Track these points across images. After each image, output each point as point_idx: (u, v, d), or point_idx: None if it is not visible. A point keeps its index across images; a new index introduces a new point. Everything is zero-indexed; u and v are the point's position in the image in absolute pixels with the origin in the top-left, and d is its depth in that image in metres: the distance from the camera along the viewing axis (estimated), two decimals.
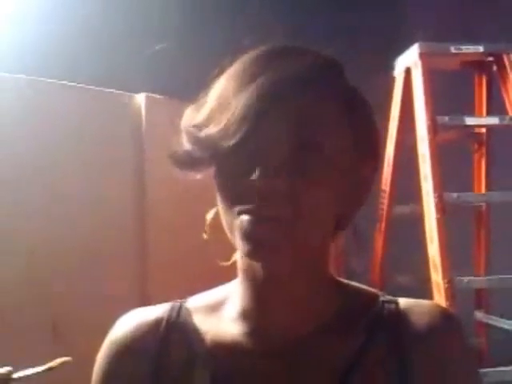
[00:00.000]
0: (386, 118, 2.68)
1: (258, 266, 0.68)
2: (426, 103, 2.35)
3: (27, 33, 2.64)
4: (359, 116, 0.70)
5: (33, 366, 1.13)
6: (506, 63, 2.44)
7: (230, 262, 0.76)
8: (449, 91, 2.58)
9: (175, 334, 0.74)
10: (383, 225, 2.67)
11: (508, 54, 2.45)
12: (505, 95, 2.47)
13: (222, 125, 0.64)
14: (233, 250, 0.73)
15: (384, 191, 2.67)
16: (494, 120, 2.44)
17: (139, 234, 1.89)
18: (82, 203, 1.76)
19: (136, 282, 1.85)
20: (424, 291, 2.31)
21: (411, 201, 2.55)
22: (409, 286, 2.59)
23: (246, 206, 0.64)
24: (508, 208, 2.51)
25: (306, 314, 0.71)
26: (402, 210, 2.65)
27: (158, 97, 1.93)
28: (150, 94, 1.93)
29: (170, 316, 0.75)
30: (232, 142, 0.63)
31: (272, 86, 0.63)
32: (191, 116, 0.69)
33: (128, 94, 1.94)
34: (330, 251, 0.74)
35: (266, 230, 0.63)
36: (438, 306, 0.75)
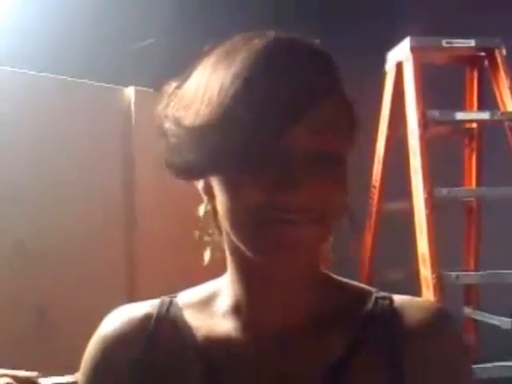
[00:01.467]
0: (377, 114, 2.66)
1: (267, 266, 0.66)
2: (417, 97, 2.34)
3: (16, 27, 2.61)
4: (352, 112, 0.68)
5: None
6: (498, 58, 2.44)
7: (205, 263, 0.74)
8: (440, 86, 2.57)
9: (165, 329, 0.73)
10: (373, 221, 2.66)
11: (500, 49, 2.45)
12: (496, 90, 2.46)
13: (233, 134, 0.60)
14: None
15: (374, 187, 2.66)
16: (484, 115, 2.44)
17: (128, 224, 1.88)
18: (71, 195, 1.75)
19: (124, 271, 1.85)
20: (413, 286, 2.31)
21: (401, 197, 2.54)
22: (398, 280, 2.59)
23: (274, 216, 0.62)
24: (498, 203, 2.51)
25: (299, 309, 0.70)
26: (392, 206, 2.64)
27: (148, 90, 1.92)
28: (140, 88, 1.92)
29: (159, 311, 0.74)
30: (247, 153, 0.60)
31: (280, 87, 0.60)
32: (184, 114, 0.64)
33: (117, 87, 1.93)
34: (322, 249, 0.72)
35: (287, 239, 0.62)
36: (433, 304, 0.75)
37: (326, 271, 0.75)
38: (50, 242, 1.67)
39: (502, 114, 2.40)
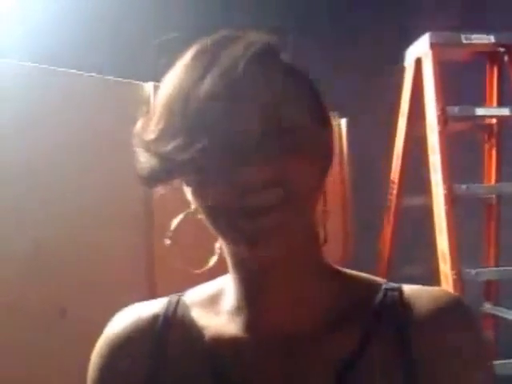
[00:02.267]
0: (396, 109, 2.66)
1: (250, 259, 0.66)
2: (437, 94, 2.34)
3: (39, 22, 2.64)
4: (306, 87, 0.69)
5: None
6: None
7: (208, 267, 0.74)
8: (460, 82, 2.57)
9: (173, 329, 0.73)
10: (392, 216, 2.66)
11: None
12: None
13: (184, 133, 0.61)
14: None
15: (393, 182, 2.66)
16: (504, 111, 2.43)
17: (147, 221, 1.89)
18: (90, 194, 1.75)
19: (143, 270, 1.85)
20: (432, 282, 2.31)
21: (420, 192, 2.54)
22: (417, 276, 2.57)
23: (233, 205, 0.62)
24: None
25: (305, 305, 0.70)
26: (412, 201, 2.64)
27: None
28: (159, 83, 1.93)
29: (167, 311, 0.75)
30: (201, 147, 0.60)
31: (225, 77, 0.61)
32: (145, 127, 0.65)
33: (136, 82, 1.94)
34: (320, 235, 0.72)
35: (259, 224, 0.61)
36: (444, 291, 0.72)
37: (333, 264, 0.74)
38: (69, 244, 1.67)
39: None
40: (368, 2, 3.04)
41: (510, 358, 2.30)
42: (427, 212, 2.40)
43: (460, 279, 2.22)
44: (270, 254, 0.63)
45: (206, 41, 0.66)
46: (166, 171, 0.63)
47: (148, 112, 0.66)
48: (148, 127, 0.64)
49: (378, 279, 0.75)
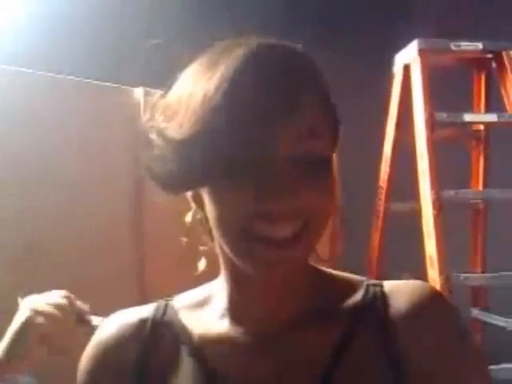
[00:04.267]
0: (384, 115, 2.67)
1: (262, 276, 0.66)
2: (425, 100, 2.35)
3: (26, 27, 2.64)
4: (334, 114, 0.68)
5: None
6: (506, 61, 2.44)
7: (200, 271, 0.75)
8: (448, 88, 2.58)
9: (161, 333, 0.74)
10: (380, 222, 2.67)
11: (507, 51, 2.45)
12: (503, 93, 2.47)
13: (215, 146, 0.60)
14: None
15: (381, 188, 2.67)
16: (492, 117, 2.44)
17: (137, 221, 1.88)
18: (81, 196, 1.75)
19: (135, 274, 1.85)
20: None
21: (408, 198, 2.55)
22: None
23: (260, 229, 0.62)
24: (506, 205, 2.51)
25: (291, 305, 0.71)
26: (399, 206, 2.65)
27: (157, 91, 1.91)
28: (148, 89, 1.92)
29: (155, 315, 0.75)
30: (229, 163, 0.60)
31: (264, 96, 0.60)
32: (168, 125, 0.64)
33: (126, 87, 1.94)
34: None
35: (280, 253, 0.62)
36: (423, 284, 0.72)
37: (313, 265, 0.75)
38: (62, 243, 1.67)
39: (510, 116, 2.40)
40: (356, 8, 3.05)
41: (497, 363, 2.31)
42: (416, 217, 2.41)
43: (448, 284, 2.22)
44: (275, 279, 0.66)
45: (224, 43, 0.66)
46: (185, 178, 0.63)
47: (164, 111, 0.65)
48: (171, 126, 0.63)
49: (360, 277, 0.76)
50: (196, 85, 0.63)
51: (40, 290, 1.59)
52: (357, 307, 0.71)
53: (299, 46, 0.68)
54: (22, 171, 1.65)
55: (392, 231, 2.70)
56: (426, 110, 2.34)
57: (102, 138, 1.83)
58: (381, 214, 2.67)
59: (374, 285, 0.73)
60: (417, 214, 2.39)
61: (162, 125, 0.64)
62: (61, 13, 2.69)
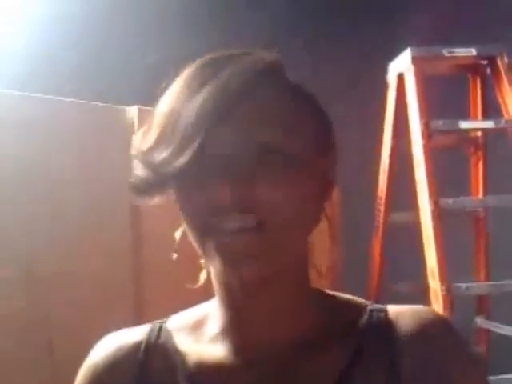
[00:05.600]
0: (381, 124, 2.65)
1: (235, 280, 0.65)
2: (420, 108, 2.33)
3: (19, 48, 2.64)
4: (310, 111, 0.69)
5: None
6: (500, 66, 2.42)
7: (198, 285, 0.74)
8: (444, 95, 2.56)
9: (155, 357, 0.72)
10: (380, 232, 2.64)
11: (501, 56, 2.43)
12: (499, 98, 2.44)
13: (173, 145, 0.62)
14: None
15: (380, 198, 2.65)
16: (489, 123, 2.42)
17: (134, 244, 1.87)
18: (77, 213, 1.74)
19: (131, 291, 1.84)
20: (424, 298, 2.29)
21: (408, 207, 2.52)
22: (408, 293, 2.56)
23: (220, 222, 0.62)
24: (505, 212, 2.48)
25: (290, 329, 0.69)
26: (399, 216, 2.62)
27: (151, 109, 1.90)
28: (143, 107, 1.92)
29: (149, 338, 0.74)
30: (186, 160, 0.61)
31: (219, 95, 0.62)
32: (142, 139, 0.67)
33: (120, 107, 1.93)
34: (308, 256, 0.72)
35: (243, 241, 0.62)
36: (428, 310, 0.72)
37: (316, 287, 0.74)
38: (58, 265, 1.66)
39: (507, 121, 2.38)
40: (350, 17, 3.05)
41: (502, 372, 2.27)
42: (416, 227, 2.38)
43: (449, 294, 2.19)
44: (250, 275, 0.63)
45: (208, 57, 0.67)
46: (152, 182, 0.65)
47: (148, 126, 0.68)
48: (144, 139, 0.67)
49: (363, 301, 0.74)
50: (168, 101, 0.66)
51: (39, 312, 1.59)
52: (361, 332, 0.69)
53: (272, 55, 0.68)
54: (17, 193, 1.64)
55: (393, 241, 2.67)
56: (421, 118, 2.32)
57: (98, 162, 1.82)
58: (381, 225, 2.64)
59: (379, 310, 0.71)
60: (417, 224, 2.36)
61: (138, 141, 0.67)
62: (55, 33, 2.69)
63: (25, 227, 1.63)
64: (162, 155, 0.63)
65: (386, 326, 0.69)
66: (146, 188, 0.67)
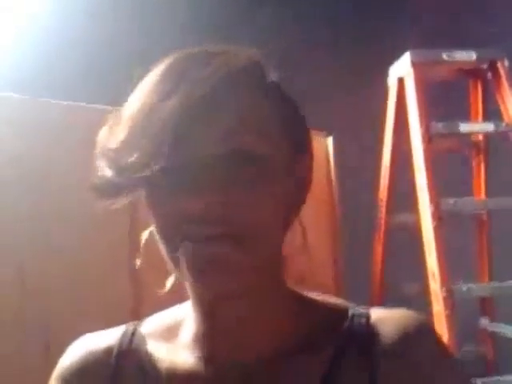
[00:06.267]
0: (382, 127, 2.66)
1: (205, 292, 0.64)
2: (420, 112, 2.33)
3: (24, 53, 2.67)
4: (287, 114, 0.67)
5: None
6: (500, 70, 2.42)
7: (165, 290, 0.72)
8: (444, 98, 2.57)
9: (127, 362, 0.71)
10: (381, 234, 2.65)
11: (502, 60, 2.42)
12: (500, 102, 2.44)
13: (143, 149, 0.60)
14: None
15: (381, 200, 2.65)
16: (489, 126, 2.41)
17: (131, 248, 1.88)
18: (73, 217, 1.74)
19: (130, 299, 1.84)
20: (427, 300, 2.29)
21: (410, 209, 2.53)
22: (411, 294, 2.57)
23: (190, 232, 0.60)
24: (507, 214, 2.48)
25: (264, 338, 0.68)
26: (400, 218, 2.63)
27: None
28: None
29: (121, 343, 0.73)
30: (156, 167, 0.59)
31: (191, 99, 0.60)
32: (108, 136, 0.64)
33: (111, 107, 1.94)
34: (283, 262, 0.70)
35: (212, 250, 0.60)
36: (409, 314, 0.70)
37: (294, 290, 0.72)
38: (52, 271, 1.67)
39: (507, 125, 2.38)
40: (351, 20, 3.05)
41: (507, 373, 2.28)
42: (418, 228, 2.39)
43: (450, 296, 2.19)
44: (221, 287, 0.61)
45: (182, 54, 0.65)
46: (118, 184, 0.62)
47: (113, 122, 0.65)
48: (111, 137, 0.63)
49: (345, 303, 0.73)
50: (138, 99, 0.63)
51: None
52: (341, 339, 0.68)
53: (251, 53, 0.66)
54: (17, 199, 1.65)
55: (394, 243, 2.67)
56: (421, 123, 2.31)
57: (89, 160, 1.82)
58: (382, 227, 2.65)
59: (360, 315, 0.70)
60: (418, 226, 2.37)
61: (104, 138, 0.65)
62: (53, 35, 2.71)
63: (25, 229, 1.64)
64: (131, 158, 0.60)
65: (366, 332, 0.68)
66: (110, 190, 0.63)
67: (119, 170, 0.61)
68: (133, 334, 0.74)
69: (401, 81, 2.49)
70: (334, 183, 2.44)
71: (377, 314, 0.70)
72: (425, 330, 0.69)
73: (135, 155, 0.60)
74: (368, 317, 0.70)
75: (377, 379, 0.65)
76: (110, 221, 1.82)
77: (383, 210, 2.64)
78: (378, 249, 2.67)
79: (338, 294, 1.77)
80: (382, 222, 2.65)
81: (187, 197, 0.60)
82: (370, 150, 2.71)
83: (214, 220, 0.60)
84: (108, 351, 0.72)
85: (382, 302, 2.54)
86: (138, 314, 1.82)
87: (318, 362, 0.67)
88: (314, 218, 1.97)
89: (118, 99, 0.69)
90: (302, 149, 0.69)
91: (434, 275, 2.25)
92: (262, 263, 0.64)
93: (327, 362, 0.66)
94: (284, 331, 0.69)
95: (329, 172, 2.45)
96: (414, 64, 2.36)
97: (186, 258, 0.61)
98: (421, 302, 2.22)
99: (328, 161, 2.45)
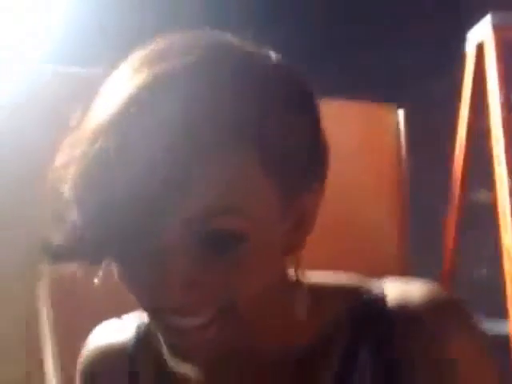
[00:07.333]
0: (458, 98, 2.51)
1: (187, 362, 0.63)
2: (500, 81, 2.19)
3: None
4: (288, 129, 0.58)
5: None
6: None
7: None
8: None
9: (146, 351, 0.71)
10: (455, 214, 2.52)
11: None
12: None
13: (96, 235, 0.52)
14: None
15: (456, 177, 2.53)
16: None
17: None
18: None
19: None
20: (501, 283, 2.17)
21: (486, 186, 2.41)
22: (485, 277, 2.46)
23: (164, 320, 0.55)
24: None
25: (277, 340, 0.64)
26: (476, 195, 2.51)
27: None
28: None
29: (138, 333, 0.73)
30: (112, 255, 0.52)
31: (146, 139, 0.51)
32: (61, 155, 0.56)
33: None
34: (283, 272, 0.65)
35: (192, 339, 0.54)
36: (434, 294, 0.62)
37: (300, 279, 0.63)
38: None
39: None
40: None
41: None
42: (493, 206, 2.26)
43: None
44: (207, 359, 0.58)
45: (141, 57, 0.58)
46: (71, 250, 0.55)
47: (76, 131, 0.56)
48: (67, 168, 0.54)
49: (358, 284, 0.65)
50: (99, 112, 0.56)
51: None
52: (356, 332, 0.62)
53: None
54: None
55: (469, 221, 2.53)
56: (501, 91, 2.18)
57: None
58: (456, 204, 2.52)
59: (376, 299, 0.62)
60: (494, 203, 2.24)
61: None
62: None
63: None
64: (80, 215, 0.51)
65: (384, 320, 0.61)
66: (66, 255, 0.56)
67: (66, 230, 0.54)
68: (146, 330, 0.74)
69: (480, 46, 2.34)
70: (403, 163, 2.35)
71: (396, 293, 0.62)
72: (452, 309, 0.61)
73: (84, 215, 0.52)
74: (384, 300, 0.62)
75: (398, 373, 0.58)
76: None
77: (457, 187, 2.52)
78: (451, 229, 2.54)
79: (403, 271, 1.66)
80: (456, 200, 2.52)
81: (151, 292, 0.52)
82: (444, 123, 2.60)
83: (188, 313, 0.53)
84: (122, 355, 0.72)
85: (452, 285, 2.44)
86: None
87: (329, 359, 0.61)
88: (380, 195, 1.89)
89: None
90: (312, 177, 0.60)
91: (509, 256, 2.12)
92: (254, 323, 0.59)
93: (340, 359, 0.61)
94: (294, 330, 0.64)
95: (399, 147, 2.35)
96: (496, 27, 2.21)
97: (166, 344, 0.57)
98: (495, 284, 2.15)
99: (398, 135, 2.36)
